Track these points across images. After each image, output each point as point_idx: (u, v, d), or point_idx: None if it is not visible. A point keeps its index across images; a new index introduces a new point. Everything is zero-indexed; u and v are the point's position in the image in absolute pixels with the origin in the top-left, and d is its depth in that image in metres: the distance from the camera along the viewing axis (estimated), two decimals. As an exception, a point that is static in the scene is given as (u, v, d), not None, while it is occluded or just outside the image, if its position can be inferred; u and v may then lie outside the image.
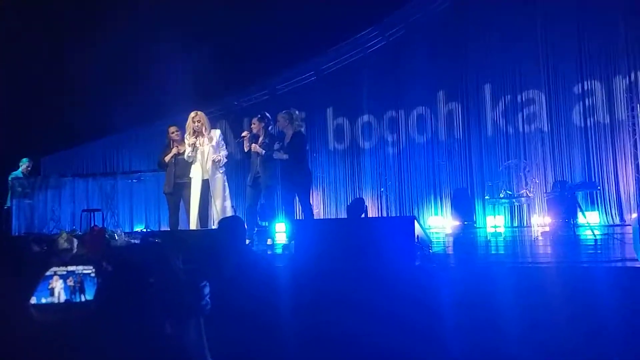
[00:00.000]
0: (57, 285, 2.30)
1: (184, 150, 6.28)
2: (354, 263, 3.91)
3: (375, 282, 3.62)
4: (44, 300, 2.25)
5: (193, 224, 6.03)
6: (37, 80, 9.36)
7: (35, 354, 1.62)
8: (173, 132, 6.45)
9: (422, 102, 10.09)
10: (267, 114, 6.41)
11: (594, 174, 8.56)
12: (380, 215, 10.22)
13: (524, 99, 9.24)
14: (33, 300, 1.93)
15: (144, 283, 1.66)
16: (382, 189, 10.40)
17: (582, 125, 8.78)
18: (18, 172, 8.82)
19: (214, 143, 6.13)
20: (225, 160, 6.25)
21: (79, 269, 2.33)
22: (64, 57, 8.81)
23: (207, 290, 1.81)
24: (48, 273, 2.14)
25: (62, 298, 2.30)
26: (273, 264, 4.15)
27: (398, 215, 10.01)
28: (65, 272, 2.30)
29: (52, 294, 2.29)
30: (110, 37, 8.63)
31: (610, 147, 8.54)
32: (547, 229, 7.25)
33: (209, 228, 5.91)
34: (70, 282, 2.32)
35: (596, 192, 8.26)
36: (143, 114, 10.31)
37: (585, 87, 8.78)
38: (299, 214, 7.08)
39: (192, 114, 6.16)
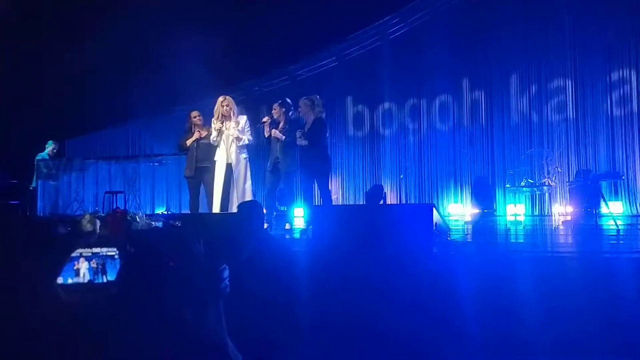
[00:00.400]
0: (82, 266, 2.38)
1: (205, 135, 6.36)
2: (371, 249, 3.91)
3: (392, 269, 3.62)
4: (70, 281, 2.33)
5: (216, 208, 6.11)
6: (63, 64, 9.48)
7: (60, 332, 1.67)
8: (195, 117, 6.52)
9: (444, 89, 9.99)
10: (288, 100, 6.41)
11: (618, 163, 8.40)
12: (399, 202, 10.20)
13: (549, 87, 9.07)
14: (60, 280, 2.00)
15: (164, 266, 1.69)
16: (401, 176, 10.35)
17: (608, 114, 8.60)
18: (44, 154, 9.02)
19: (239, 128, 6.17)
20: (247, 142, 6.23)
21: (103, 250, 2.41)
22: (88, 40, 8.89)
23: (226, 273, 1.83)
24: (74, 254, 2.20)
25: (86, 279, 2.39)
26: (290, 249, 4.19)
27: (417, 202, 9.98)
28: (90, 254, 2.39)
29: (77, 274, 2.37)
30: (133, 21, 8.68)
31: (638, 136, 8.36)
32: (568, 218, 7.15)
33: (229, 212, 5.97)
34: (93, 264, 2.40)
35: (620, 182, 8.11)
36: (165, 99, 10.39)
37: (614, 76, 8.59)
38: (317, 199, 7.10)
39: (221, 98, 6.22)
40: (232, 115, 6.16)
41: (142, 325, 1.61)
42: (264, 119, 6.41)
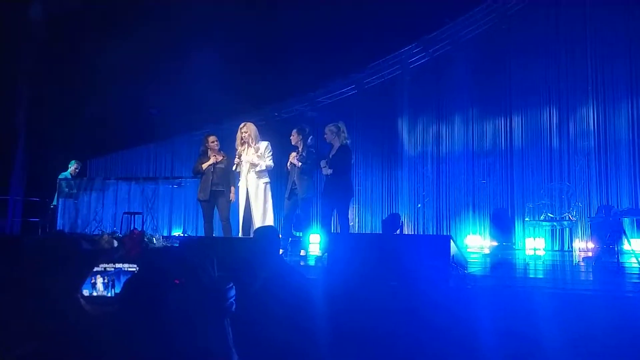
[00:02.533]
0: (99, 280, 2.49)
1: (221, 159, 6.45)
2: (386, 280, 3.87)
3: (408, 301, 3.57)
4: (86, 293, 2.43)
5: (240, 231, 6.16)
6: (85, 87, 9.74)
7: (79, 342, 1.74)
8: (213, 142, 6.61)
9: (464, 118, 9.98)
10: (306, 127, 6.46)
11: (642, 199, 8.23)
12: (416, 232, 10.11)
13: (571, 118, 8.98)
14: (85, 292, 2.10)
15: (168, 284, 1.73)
16: (419, 205, 10.29)
17: (632, 148, 8.46)
18: (67, 173, 9.20)
19: (259, 153, 6.22)
20: (265, 168, 6.24)
21: (125, 266, 2.50)
22: (110, 61, 9.11)
23: (232, 292, 1.85)
24: (97, 269, 2.33)
25: (101, 292, 2.49)
26: (304, 276, 4.16)
27: (435, 232, 9.88)
28: (113, 269, 2.49)
29: (94, 287, 2.48)
30: (157, 43, 8.91)
31: (661, 172, 8.21)
32: (589, 254, 7.00)
33: (246, 236, 5.99)
34: (106, 279, 2.50)
35: (644, 219, 7.94)
36: (185, 123, 10.56)
37: (636, 109, 8.47)
38: (335, 226, 7.07)
39: (241, 125, 6.31)
40: (250, 141, 6.22)
41: (144, 341, 1.63)
42: (292, 159, 6.40)
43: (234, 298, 1.84)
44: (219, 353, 1.71)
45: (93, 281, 2.51)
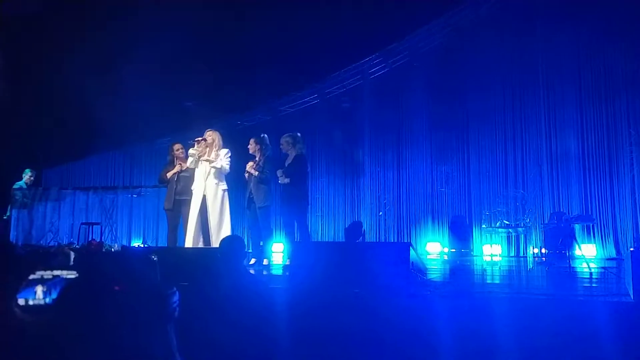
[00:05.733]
0: (39, 288, 2.39)
1: (186, 168, 6.37)
2: (348, 287, 3.92)
3: (368, 307, 3.63)
4: (28, 302, 2.33)
5: (189, 239, 6.04)
6: (42, 93, 9.46)
7: (13, 353, 1.71)
8: (178, 150, 6.56)
9: (423, 128, 10.18)
10: (264, 136, 6.48)
11: (591, 206, 8.59)
12: (378, 240, 10.24)
13: (524, 129, 9.31)
14: (21, 301, 2.03)
15: (107, 290, 1.72)
16: (380, 213, 10.43)
17: (581, 157, 8.83)
18: (22, 183, 8.89)
19: (219, 158, 6.19)
20: (222, 168, 6.15)
21: (64, 273, 2.39)
22: (68, 66, 8.89)
23: (175, 297, 1.85)
24: (34, 276, 2.23)
25: (40, 300, 2.39)
26: (267, 285, 4.17)
27: (396, 240, 10.03)
28: (51, 277, 2.37)
29: (35, 295, 2.37)
30: (114, 52, 8.76)
31: (609, 180, 8.58)
32: (543, 259, 7.26)
33: (207, 246, 5.93)
34: (45, 287, 2.40)
35: (593, 225, 8.28)
36: (146, 131, 10.40)
37: (585, 119, 8.86)
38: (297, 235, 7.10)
39: (208, 131, 6.29)
40: (213, 146, 6.19)
41: (83, 349, 1.62)
42: (249, 168, 6.36)
43: (177, 303, 1.84)
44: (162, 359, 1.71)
45: (35, 288, 2.43)
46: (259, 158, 6.31)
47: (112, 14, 9.04)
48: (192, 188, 6.19)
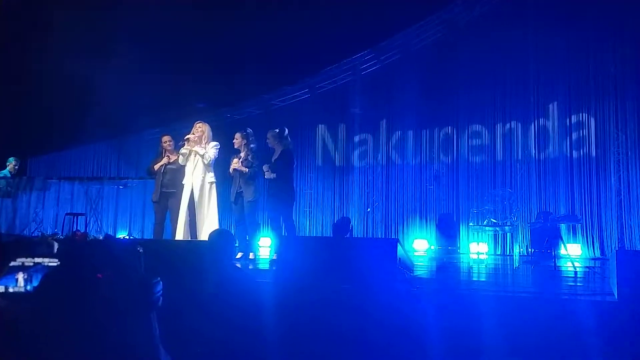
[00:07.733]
0: (20, 275, 2.33)
1: (175, 159, 6.30)
2: (334, 282, 3.91)
3: (355, 303, 3.63)
4: (8, 289, 2.28)
5: (180, 232, 5.99)
6: (29, 80, 9.31)
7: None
8: (166, 142, 6.48)
9: (413, 125, 10.20)
10: (250, 130, 6.43)
11: (577, 206, 8.67)
12: (366, 236, 10.25)
13: (512, 128, 9.38)
14: (0, 289, 1.99)
15: (90, 278, 1.70)
16: (368, 209, 10.44)
17: (568, 158, 8.91)
18: (6, 171, 8.74)
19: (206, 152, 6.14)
20: (209, 158, 6.11)
21: (46, 260, 2.34)
22: (54, 53, 8.74)
23: (159, 286, 1.83)
24: (15, 263, 2.18)
25: (22, 287, 2.33)
26: (254, 279, 4.15)
27: (384, 236, 10.04)
28: (32, 264, 2.32)
29: (17, 283, 2.32)
30: (103, 40, 8.64)
31: (595, 181, 8.66)
32: (529, 258, 7.31)
33: (195, 239, 5.89)
34: (26, 274, 2.35)
35: (579, 225, 8.36)
36: (134, 122, 10.28)
37: (574, 120, 8.94)
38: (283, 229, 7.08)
39: (198, 123, 6.21)
40: (203, 139, 6.13)
41: (65, 336, 1.60)
42: (235, 164, 6.32)
43: (160, 293, 1.83)
44: (144, 347, 1.69)
45: (16, 276, 2.37)
46: (245, 153, 6.27)
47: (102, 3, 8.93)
48: (183, 182, 6.13)
